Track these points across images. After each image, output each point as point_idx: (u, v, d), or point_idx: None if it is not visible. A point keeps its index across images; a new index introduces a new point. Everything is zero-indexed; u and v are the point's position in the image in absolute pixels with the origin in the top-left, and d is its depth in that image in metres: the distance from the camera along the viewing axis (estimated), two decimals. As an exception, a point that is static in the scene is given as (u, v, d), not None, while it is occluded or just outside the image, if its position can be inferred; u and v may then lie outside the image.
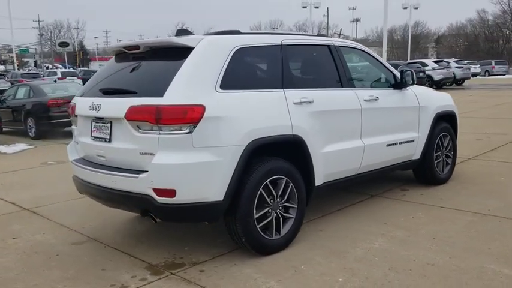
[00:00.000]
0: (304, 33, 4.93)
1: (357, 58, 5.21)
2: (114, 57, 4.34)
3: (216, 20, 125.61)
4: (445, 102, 5.88)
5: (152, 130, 3.39)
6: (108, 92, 3.81)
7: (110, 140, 3.73)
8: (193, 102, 3.38)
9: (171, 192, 3.36)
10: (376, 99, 4.76)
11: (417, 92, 5.44)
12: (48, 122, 11.29)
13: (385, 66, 5.20)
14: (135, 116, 3.44)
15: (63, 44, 50.90)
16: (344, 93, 4.51)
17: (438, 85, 24.33)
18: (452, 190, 5.59)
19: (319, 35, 4.79)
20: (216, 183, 3.46)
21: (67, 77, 29.15)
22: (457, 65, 28.07)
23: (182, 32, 4.08)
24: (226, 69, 3.62)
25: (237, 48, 3.75)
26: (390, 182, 5.94)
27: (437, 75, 24.99)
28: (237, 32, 4.00)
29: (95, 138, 3.89)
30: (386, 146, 4.94)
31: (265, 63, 4.09)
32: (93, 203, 5.41)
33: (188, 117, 3.34)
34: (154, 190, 3.38)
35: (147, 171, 3.41)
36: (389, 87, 5.16)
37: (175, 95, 3.37)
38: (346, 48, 4.81)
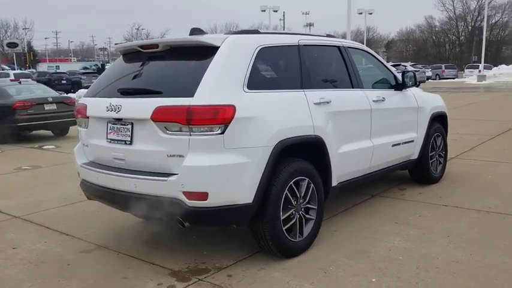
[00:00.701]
0: (315, 34, 4.90)
1: (362, 59, 5.24)
2: (122, 56, 4.16)
3: (171, 21, 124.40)
4: (438, 103, 6.03)
5: (181, 131, 3.26)
6: (128, 93, 3.64)
7: (131, 142, 3.56)
8: (224, 102, 3.28)
9: (203, 195, 3.25)
10: (383, 100, 4.81)
11: (415, 94, 5.55)
12: (15, 125, 10.71)
13: (386, 67, 5.27)
14: (163, 116, 3.30)
15: (12, 45, 48.68)
16: (355, 94, 4.53)
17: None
18: (448, 189, 5.74)
19: (328, 36, 4.79)
20: (246, 185, 3.37)
21: (21, 79, 27.83)
22: (413, 69, 29.04)
23: (196, 31, 3.98)
24: (251, 69, 3.54)
25: (260, 47, 3.69)
26: (387, 182, 6.01)
27: (395, 78, 25.70)
28: (257, 32, 3.94)
29: (112, 140, 3.70)
30: (392, 146, 5.00)
31: (285, 63, 4.03)
32: (87, 209, 5.23)
33: (220, 117, 3.24)
34: (185, 193, 3.26)
35: (177, 174, 3.28)
36: (390, 88, 5.23)
37: (206, 95, 3.27)
38: (353, 49, 4.84)
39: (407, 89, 5.37)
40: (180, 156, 3.28)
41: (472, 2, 72.00)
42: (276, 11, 41.76)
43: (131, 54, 4.04)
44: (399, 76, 5.27)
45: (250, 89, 3.48)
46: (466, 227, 4.37)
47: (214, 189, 3.27)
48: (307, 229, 3.89)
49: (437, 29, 77.71)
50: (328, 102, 4.04)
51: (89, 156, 4.03)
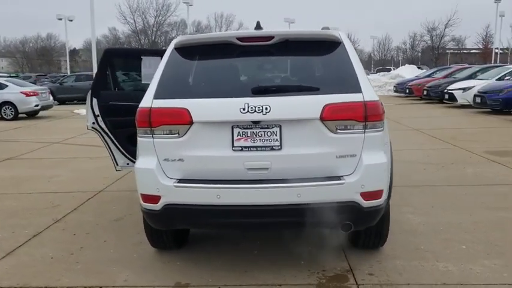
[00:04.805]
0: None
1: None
2: (183, 50, 3.40)
3: None
4: None
5: (354, 129, 3.05)
6: (271, 91, 3.13)
7: (280, 147, 3.04)
8: (377, 97, 3.23)
9: (379, 194, 3.11)
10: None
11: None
12: None
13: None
14: (336, 115, 3.01)
15: None
16: None
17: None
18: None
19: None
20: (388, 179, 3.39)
21: None
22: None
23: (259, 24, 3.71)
24: None
25: None
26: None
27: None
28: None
29: (245, 148, 3.06)
30: None
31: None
32: (54, 255, 3.90)
33: (380, 113, 3.17)
34: (362, 194, 3.05)
35: (350, 175, 3.05)
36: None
37: (368, 90, 3.15)
38: None
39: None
40: (352, 155, 3.06)
41: (151, 18, 75.75)
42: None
43: (209, 47, 3.41)
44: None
45: None
46: (449, 201, 5.06)
47: (386, 186, 3.19)
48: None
49: (121, 40, 79.30)
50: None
51: (179, 172, 3.11)
